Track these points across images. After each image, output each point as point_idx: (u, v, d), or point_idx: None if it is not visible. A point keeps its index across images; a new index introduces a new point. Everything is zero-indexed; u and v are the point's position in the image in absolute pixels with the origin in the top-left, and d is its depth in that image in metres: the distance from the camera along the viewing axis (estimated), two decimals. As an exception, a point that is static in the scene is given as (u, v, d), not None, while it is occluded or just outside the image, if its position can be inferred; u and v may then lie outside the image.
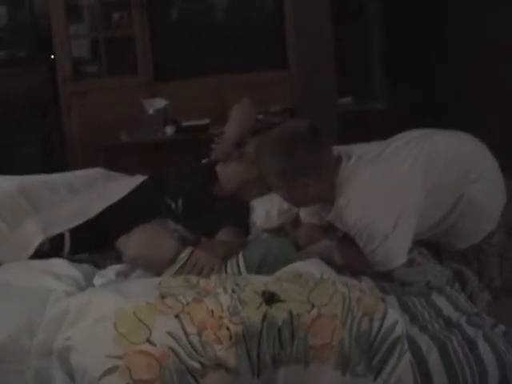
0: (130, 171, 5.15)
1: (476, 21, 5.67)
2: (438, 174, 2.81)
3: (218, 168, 3.42)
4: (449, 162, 2.85)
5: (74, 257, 3.06)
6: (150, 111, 5.30)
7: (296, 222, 3.21)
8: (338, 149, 2.90)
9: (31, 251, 3.05)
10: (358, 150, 2.88)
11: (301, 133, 2.77)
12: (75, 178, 3.54)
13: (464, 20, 5.84)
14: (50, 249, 3.14)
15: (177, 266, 2.74)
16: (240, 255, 2.80)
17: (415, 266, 2.78)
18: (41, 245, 3.09)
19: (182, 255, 2.79)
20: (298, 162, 2.70)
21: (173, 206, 3.31)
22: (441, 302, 2.53)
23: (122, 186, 3.50)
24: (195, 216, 3.21)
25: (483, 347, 2.22)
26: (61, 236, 3.20)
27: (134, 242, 2.85)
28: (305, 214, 3.07)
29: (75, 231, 3.21)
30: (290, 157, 2.70)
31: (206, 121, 5.41)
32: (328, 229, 3.00)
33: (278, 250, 2.74)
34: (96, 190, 3.43)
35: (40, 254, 3.07)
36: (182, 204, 3.31)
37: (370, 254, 2.70)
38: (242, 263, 2.75)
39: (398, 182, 2.75)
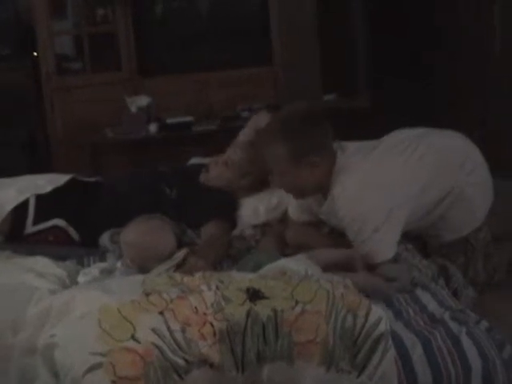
0: (115, 168, 5.16)
1: (464, 21, 5.67)
2: (432, 171, 2.85)
3: (202, 177, 3.41)
4: (441, 159, 2.89)
5: (60, 253, 3.06)
6: (133, 109, 5.29)
7: (282, 219, 3.22)
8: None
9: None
10: (351, 145, 2.90)
11: (299, 113, 2.82)
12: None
13: (452, 20, 5.83)
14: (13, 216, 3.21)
15: (170, 264, 2.74)
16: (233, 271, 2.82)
17: (401, 261, 2.79)
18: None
19: (177, 255, 2.79)
20: (302, 139, 2.72)
21: (167, 192, 3.32)
22: (425, 298, 2.54)
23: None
24: (186, 206, 3.23)
25: (467, 343, 2.23)
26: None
27: (136, 229, 2.86)
28: (294, 210, 3.08)
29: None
30: (293, 137, 2.72)
31: (190, 118, 5.41)
32: (316, 226, 3.02)
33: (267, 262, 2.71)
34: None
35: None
36: (177, 193, 3.32)
37: (360, 246, 2.71)
38: None
39: (391, 176, 2.77)
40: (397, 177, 2.78)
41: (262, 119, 3.50)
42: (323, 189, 2.82)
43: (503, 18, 5.12)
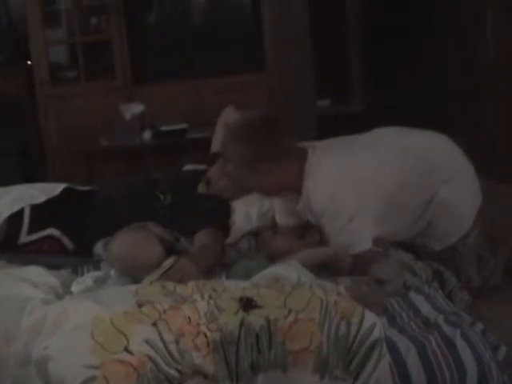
0: (110, 175, 5.15)
1: (462, 24, 5.67)
2: (409, 171, 2.85)
3: (200, 188, 3.40)
4: (420, 160, 2.88)
5: (54, 262, 3.05)
6: (128, 116, 5.28)
7: (273, 226, 3.22)
8: (302, 143, 2.97)
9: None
10: (324, 143, 2.94)
11: (259, 120, 2.91)
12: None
13: (450, 23, 5.84)
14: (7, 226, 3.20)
15: (159, 273, 2.72)
16: (223, 277, 2.81)
17: (393, 263, 2.78)
18: None
19: (165, 263, 2.78)
20: (258, 147, 2.79)
21: (161, 198, 3.32)
22: (419, 301, 2.54)
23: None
24: (180, 213, 3.23)
25: (461, 346, 2.23)
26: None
27: (122, 241, 2.86)
28: (281, 214, 3.09)
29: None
30: (249, 143, 2.79)
31: (184, 125, 5.41)
32: (307, 233, 3.03)
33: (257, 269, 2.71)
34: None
35: None
36: (171, 199, 3.32)
37: (336, 237, 2.73)
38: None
39: (362, 171, 2.79)
40: (368, 171, 2.80)
41: (229, 114, 3.61)
42: (294, 188, 2.85)
43: (496, 22, 5.13)
